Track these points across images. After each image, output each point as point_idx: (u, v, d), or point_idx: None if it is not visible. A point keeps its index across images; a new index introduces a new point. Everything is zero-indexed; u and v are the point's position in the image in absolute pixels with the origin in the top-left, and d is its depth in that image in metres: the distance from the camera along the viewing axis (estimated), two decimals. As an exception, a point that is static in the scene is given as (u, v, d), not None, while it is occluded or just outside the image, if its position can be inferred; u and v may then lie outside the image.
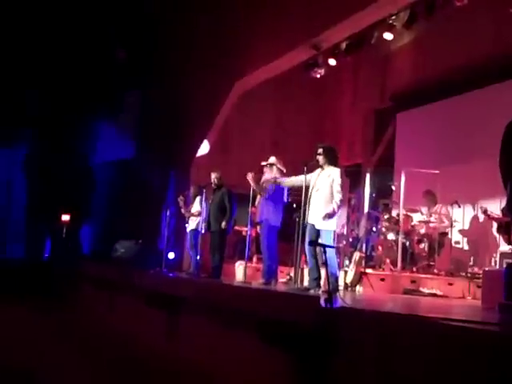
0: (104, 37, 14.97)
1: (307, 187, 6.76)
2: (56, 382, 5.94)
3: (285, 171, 7.84)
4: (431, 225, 9.36)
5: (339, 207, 6.63)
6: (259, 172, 7.97)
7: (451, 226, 9.22)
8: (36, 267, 13.95)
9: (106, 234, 14.73)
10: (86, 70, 14.90)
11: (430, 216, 9.48)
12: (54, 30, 14.39)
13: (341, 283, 7.65)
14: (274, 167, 7.81)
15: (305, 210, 6.72)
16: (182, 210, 10.00)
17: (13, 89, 15.07)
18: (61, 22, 14.38)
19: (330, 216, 6.50)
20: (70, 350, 7.67)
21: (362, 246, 9.17)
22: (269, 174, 7.85)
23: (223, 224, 8.69)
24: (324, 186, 6.64)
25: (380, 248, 9.30)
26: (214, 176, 9.13)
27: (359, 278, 7.98)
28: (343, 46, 9.84)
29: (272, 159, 7.89)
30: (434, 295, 7.83)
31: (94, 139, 16.49)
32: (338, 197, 6.57)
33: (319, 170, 6.82)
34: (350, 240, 9.69)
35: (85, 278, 11.76)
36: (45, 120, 15.59)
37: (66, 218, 15.69)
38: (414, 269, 8.89)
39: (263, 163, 7.86)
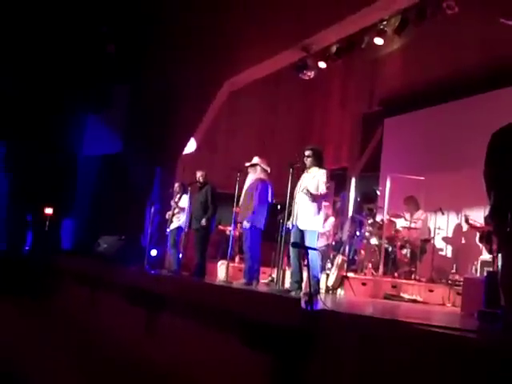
0: (94, 30, 14.86)
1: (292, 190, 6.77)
2: (35, 380, 5.88)
3: (269, 171, 7.83)
4: (412, 230, 9.39)
5: (324, 196, 6.70)
6: (244, 173, 7.97)
7: (432, 233, 9.27)
8: (16, 260, 13.78)
9: (89, 228, 14.62)
10: (74, 63, 14.78)
11: (412, 222, 9.51)
12: (42, 21, 14.25)
13: (322, 286, 7.65)
14: (258, 167, 7.81)
15: (289, 212, 6.73)
16: (172, 203, 9.88)
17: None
18: (50, 13, 14.25)
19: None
20: (49, 344, 7.62)
21: (344, 250, 9.19)
22: (253, 175, 7.84)
23: (203, 221, 8.72)
24: (309, 187, 6.64)
25: (363, 252, 9.32)
26: (199, 174, 9.18)
27: (341, 281, 8.00)
28: (333, 49, 9.83)
29: (255, 159, 7.89)
30: (415, 301, 7.87)
31: (80, 133, 16.33)
32: (322, 187, 6.61)
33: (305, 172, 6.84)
34: (333, 243, 9.69)
35: (66, 272, 11.64)
36: (28, 112, 15.38)
37: (49, 210, 15.53)
38: (396, 274, 8.93)
39: (247, 164, 7.86)
